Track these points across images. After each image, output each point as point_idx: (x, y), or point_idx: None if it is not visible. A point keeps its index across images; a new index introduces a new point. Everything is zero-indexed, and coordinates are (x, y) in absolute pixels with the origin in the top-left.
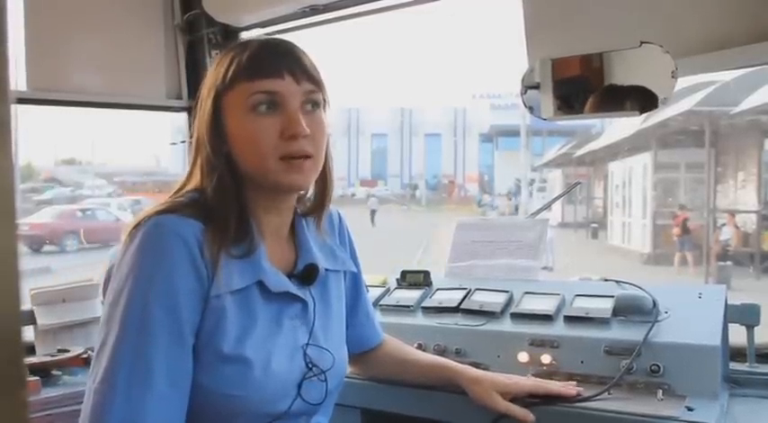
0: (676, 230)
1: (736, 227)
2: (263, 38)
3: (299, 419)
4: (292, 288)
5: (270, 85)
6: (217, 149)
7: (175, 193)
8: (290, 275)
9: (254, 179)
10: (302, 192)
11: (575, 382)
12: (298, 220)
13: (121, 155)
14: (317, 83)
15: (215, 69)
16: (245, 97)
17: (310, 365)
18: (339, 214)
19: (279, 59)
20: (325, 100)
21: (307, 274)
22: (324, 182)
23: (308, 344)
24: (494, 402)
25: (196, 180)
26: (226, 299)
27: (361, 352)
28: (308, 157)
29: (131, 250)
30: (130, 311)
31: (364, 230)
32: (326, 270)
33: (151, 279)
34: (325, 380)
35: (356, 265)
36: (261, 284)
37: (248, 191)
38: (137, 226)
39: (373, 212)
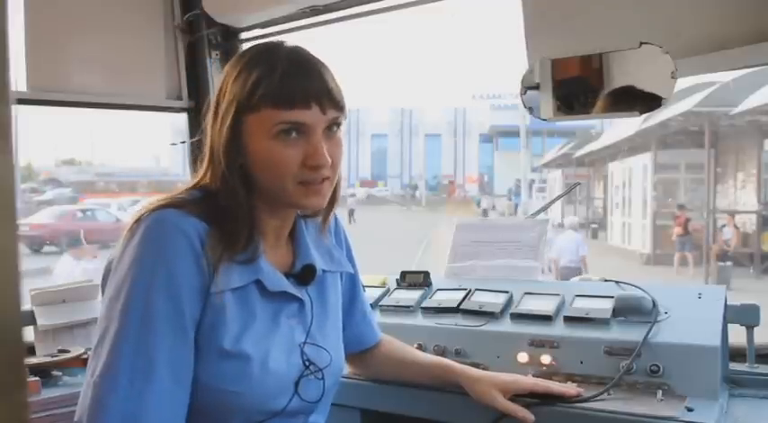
0: (678, 230)
1: (736, 227)
2: (291, 50)
3: (296, 418)
4: (290, 288)
5: (296, 117)
6: (233, 163)
7: (187, 189)
8: (287, 275)
9: (269, 195)
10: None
11: (575, 385)
12: (297, 221)
13: (121, 155)
14: (340, 108)
15: (238, 78)
16: (270, 124)
17: (307, 363)
18: (336, 216)
19: (308, 88)
20: (345, 117)
21: (304, 275)
22: (334, 186)
23: (305, 342)
24: (494, 401)
25: (205, 181)
26: (226, 296)
27: (360, 352)
28: (326, 179)
29: (133, 244)
30: (132, 303)
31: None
32: (324, 271)
33: (153, 272)
34: (323, 378)
35: (353, 266)
36: (259, 283)
37: (258, 199)
38: (137, 220)
39: (352, 211)
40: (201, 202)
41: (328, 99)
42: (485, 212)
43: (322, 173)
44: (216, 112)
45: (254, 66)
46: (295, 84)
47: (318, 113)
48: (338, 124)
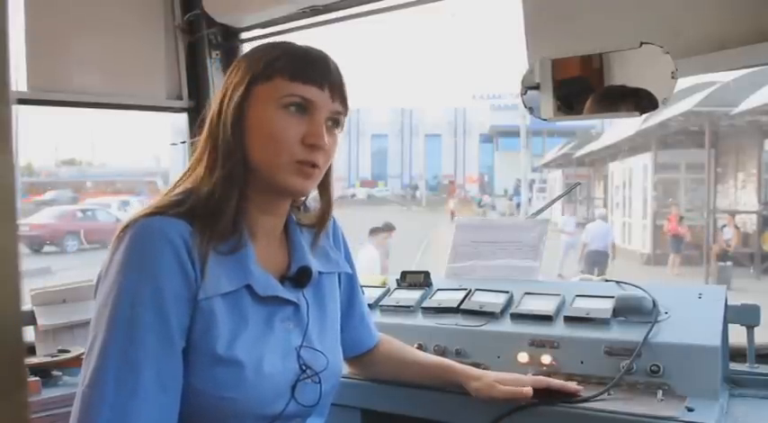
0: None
1: (736, 227)
2: (312, 48)
3: (293, 421)
4: (281, 292)
5: (308, 92)
6: (235, 135)
7: (170, 190)
8: (282, 278)
9: (260, 174)
10: (300, 197)
11: (575, 382)
12: (291, 222)
13: (122, 155)
14: (345, 106)
15: (251, 61)
16: (280, 94)
17: (304, 367)
18: (333, 218)
19: (324, 70)
20: (343, 124)
21: (300, 277)
22: (327, 196)
23: (301, 346)
24: (493, 390)
25: (196, 176)
26: (215, 301)
27: (358, 354)
28: (318, 168)
29: (119, 253)
30: (118, 314)
31: None
32: (320, 272)
33: (138, 281)
34: (320, 382)
35: (351, 267)
36: (250, 288)
37: (248, 187)
38: (124, 229)
39: None
40: (186, 202)
41: (339, 89)
42: (453, 215)
43: (317, 156)
44: (225, 91)
45: (274, 48)
46: (315, 64)
47: (328, 98)
48: (339, 122)
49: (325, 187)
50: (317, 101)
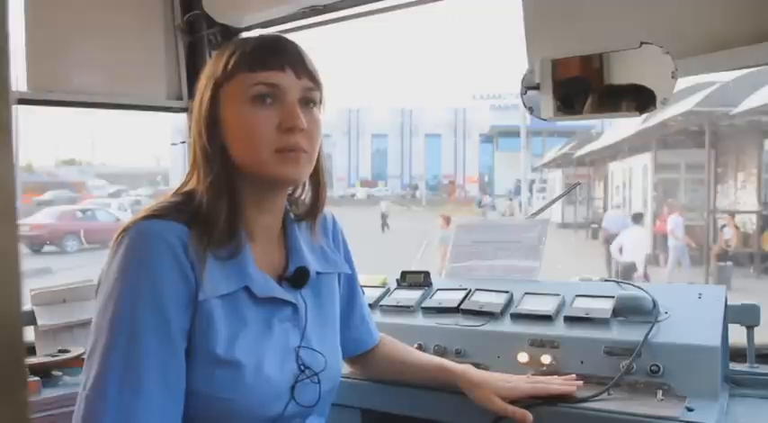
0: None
1: (736, 227)
2: (264, 34)
3: (293, 421)
4: (279, 293)
5: (271, 78)
6: (213, 141)
7: (174, 194)
8: (280, 278)
9: (247, 172)
10: (295, 187)
11: (574, 376)
12: (289, 222)
13: (122, 155)
14: (315, 81)
15: (214, 63)
16: (244, 88)
17: (303, 367)
18: (333, 217)
19: (281, 53)
20: (321, 100)
21: (297, 278)
22: (317, 185)
23: (300, 346)
24: (493, 405)
25: (195, 181)
26: (214, 303)
27: (359, 354)
28: (303, 151)
29: (117, 257)
30: (119, 317)
31: None
32: (318, 273)
33: (138, 285)
34: (319, 382)
35: (351, 267)
36: (248, 289)
37: (240, 187)
38: (122, 232)
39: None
40: (184, 205)
41: (302, 66)
42: (383, 216)
43: (298, 139)
44: (196, 98)
45: (228, 47)
46: (268, 49)
47: (293, 77)
48: (314, 100)
49: (314, 174)
50: (282, 84)
